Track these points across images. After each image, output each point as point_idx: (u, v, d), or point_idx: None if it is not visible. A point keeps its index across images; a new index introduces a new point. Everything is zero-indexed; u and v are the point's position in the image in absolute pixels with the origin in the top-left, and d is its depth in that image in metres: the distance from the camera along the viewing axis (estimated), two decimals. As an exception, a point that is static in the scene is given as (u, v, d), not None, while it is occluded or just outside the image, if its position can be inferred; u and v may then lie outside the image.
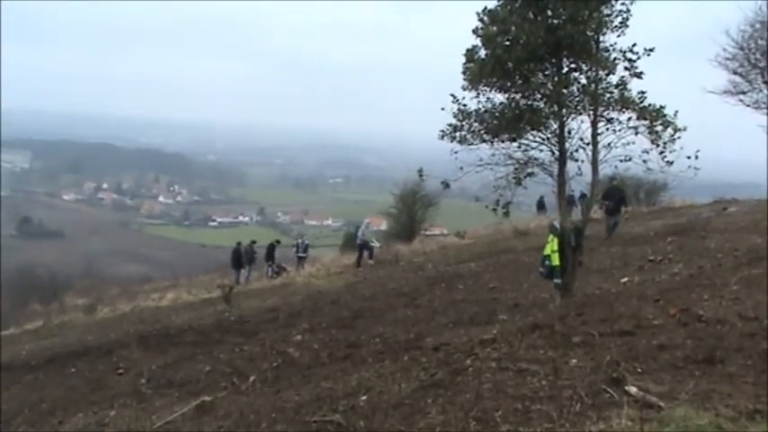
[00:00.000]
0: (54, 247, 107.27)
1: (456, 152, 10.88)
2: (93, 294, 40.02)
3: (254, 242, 30.29)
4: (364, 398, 7.16)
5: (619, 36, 10.32)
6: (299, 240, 31.45)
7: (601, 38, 10.28)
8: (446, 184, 11.10)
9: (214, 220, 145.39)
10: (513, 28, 10.23)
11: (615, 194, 20.01)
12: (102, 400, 11.09)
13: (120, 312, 26.33)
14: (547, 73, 10.64)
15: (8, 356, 17.43)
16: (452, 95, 10.92)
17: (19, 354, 17.83)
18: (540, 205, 32.41)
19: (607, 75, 10.34)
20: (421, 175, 12.14)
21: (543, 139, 10.80)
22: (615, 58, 10.28)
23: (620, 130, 10.33)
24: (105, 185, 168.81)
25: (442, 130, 11.06)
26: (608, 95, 10.25)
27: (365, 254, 25.06)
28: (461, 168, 10.74)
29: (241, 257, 28.95)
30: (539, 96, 10.61)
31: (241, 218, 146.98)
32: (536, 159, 10.92)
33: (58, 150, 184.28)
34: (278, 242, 30.96)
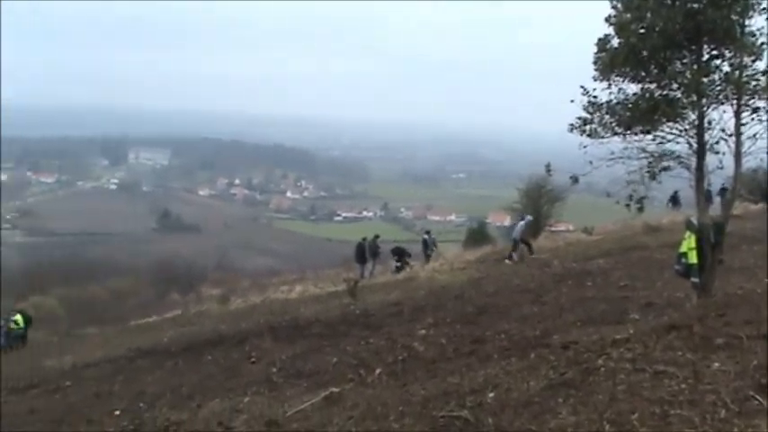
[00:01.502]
0: (190, 240, 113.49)
1: (585, 146, 10.56)
2: (226, 286, 42.10)
3: (377, 237, 30.48)
4: (492, 395, 7.09)
5: (767, 19, 9.65)
6: (426, 236, 31.52)
7: (746, 21, 9.65)
8: (575, 179, 10.80)
9: (339, 215, 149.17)
10: (649, 14, 9.75)
11: None
12: (236, 387, 11.51)
13: (251, 303, 27.46)
14: (685, 61, 10.08)
15: (152, 342, 18.59)
16: (582, 87, 10.56)
17: (161, 340, 18.97)
18: (674, 200, 30.93)
19: (753, 61, 9.67)
20: (548, 170, 11.89)
21: (680, 131, 10.25)
22: (762, 43, 9.61)
23: (767, 120, 9.67)
24: (237, 181, 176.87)
25: (572, 124, 10.74)
26: (754, 83, 9.56)
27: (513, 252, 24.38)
28: (591, 162, 10.39)
29: (365, 252, 29.36)
30: (676, 86, 10.06)
31: (365, 213, 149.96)
32: (672, 152, 10.39)
33: (192, 147, 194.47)
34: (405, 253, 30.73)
